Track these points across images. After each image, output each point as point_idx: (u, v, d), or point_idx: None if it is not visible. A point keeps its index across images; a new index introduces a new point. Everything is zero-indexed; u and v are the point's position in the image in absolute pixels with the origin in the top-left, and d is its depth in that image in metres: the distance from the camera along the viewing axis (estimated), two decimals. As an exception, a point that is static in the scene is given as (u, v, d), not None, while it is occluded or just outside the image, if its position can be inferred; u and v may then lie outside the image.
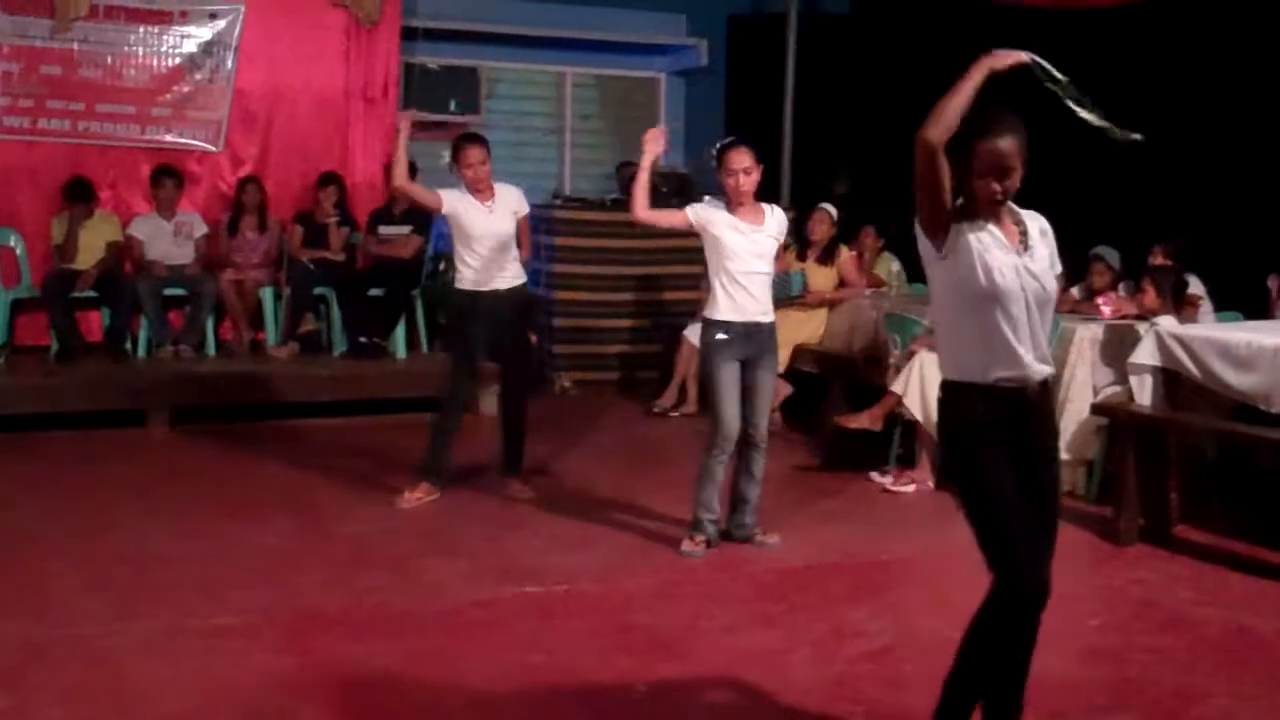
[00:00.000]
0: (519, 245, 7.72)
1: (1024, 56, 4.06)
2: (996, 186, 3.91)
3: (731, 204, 6.65)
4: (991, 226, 3.98)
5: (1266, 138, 9.46)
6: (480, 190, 7.53)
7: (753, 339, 6.64)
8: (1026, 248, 4.00)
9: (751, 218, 6.64)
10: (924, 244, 4.03)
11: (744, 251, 6.58)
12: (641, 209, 6.73)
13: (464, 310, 7.64)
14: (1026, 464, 4.02)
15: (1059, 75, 4.08)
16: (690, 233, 6.74)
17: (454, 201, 7.49)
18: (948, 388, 4.10)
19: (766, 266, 6.68)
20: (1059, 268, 4.13)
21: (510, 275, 7.63)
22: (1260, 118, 9.54)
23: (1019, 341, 3.96)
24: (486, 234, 7.49)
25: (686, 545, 6.68)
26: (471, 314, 7.57)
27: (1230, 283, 8.64)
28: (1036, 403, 4.05)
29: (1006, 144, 3.91)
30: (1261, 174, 9.42)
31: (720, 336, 6.60)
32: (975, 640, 4.05)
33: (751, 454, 6.78)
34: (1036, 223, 4.10)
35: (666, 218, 6.80)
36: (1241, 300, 8.63)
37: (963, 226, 3.95)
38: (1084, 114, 4.06)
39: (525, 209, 7.77)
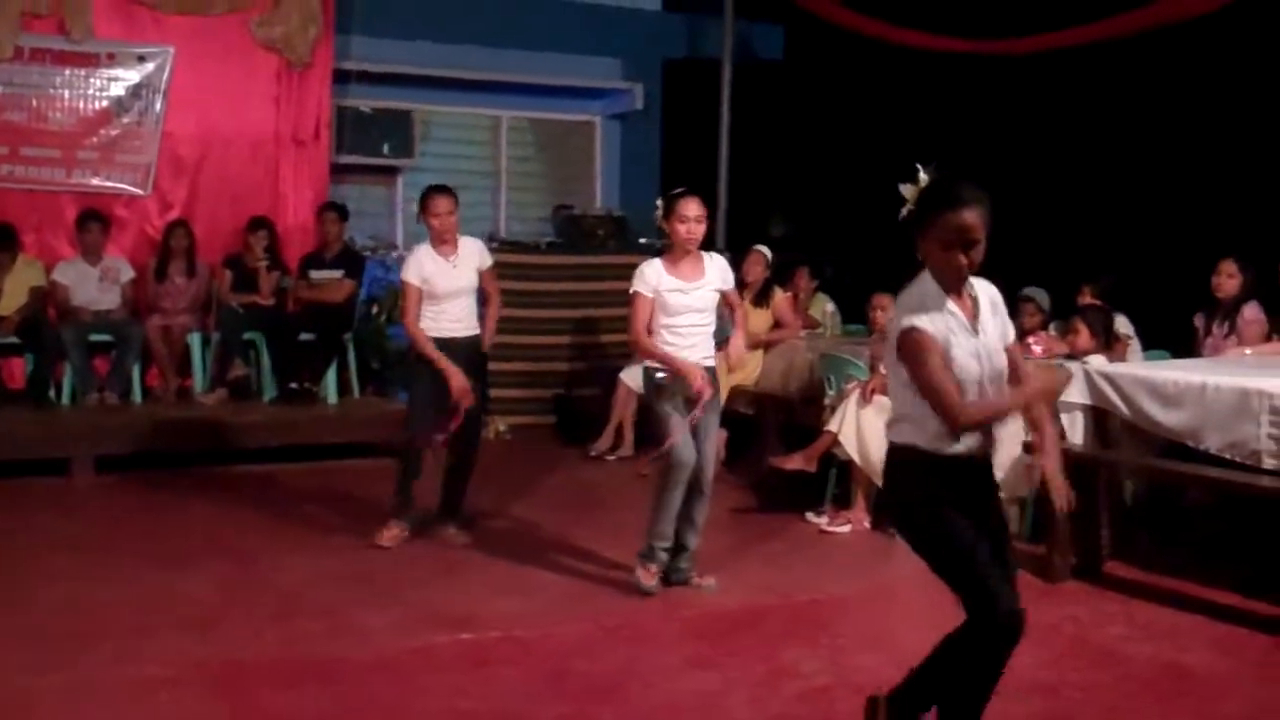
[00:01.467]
0: (487, 300, 7.73)
1: None
2: (963, 259, 3.93)
3: (675, 252, 6.62)
4: (951, 304, 4.00)
5: (1189, 179, 9.60)
6: (445, 241, 7.50)
7: (681, 386, 6.61)
8: (977, 326, 4.03)
9: (691, 271, 6.63)
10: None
11: (684, 308, 6.58)
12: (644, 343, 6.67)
13: (418, 365, 7.60)
14: (979, 513, 4.10)
15: None
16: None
17: (419, 272, 7.45)
18: (906, 453, 4.13)
19: (707, 319, 6.68)
20: (1011, 337, 4.19)
21: (465, 325, 7.61)
22: (1182, 159, 9.68)
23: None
24: (450, 291, 7.49)
25: (642, 576, 6.64)
26: (426, 368, 7.53)
27: (1157, 321, 8.73)
28: (985, 465, 4.15)
29: (973, 216, 3.91)
30: (1186, 214, 9.55)
31: (660, 375, 6.60)
32: (942, 666, 4.13)
33: (696, 499, 6.74)
34: (987, 293, 4.13)
35: (643, 316, 6.64)
36: (1168, 339, 8.72)
37: (931, 325, 3.96)
38: None
39: (489, 261, 7.72)
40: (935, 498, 4.06)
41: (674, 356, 6.54)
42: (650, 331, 6.65)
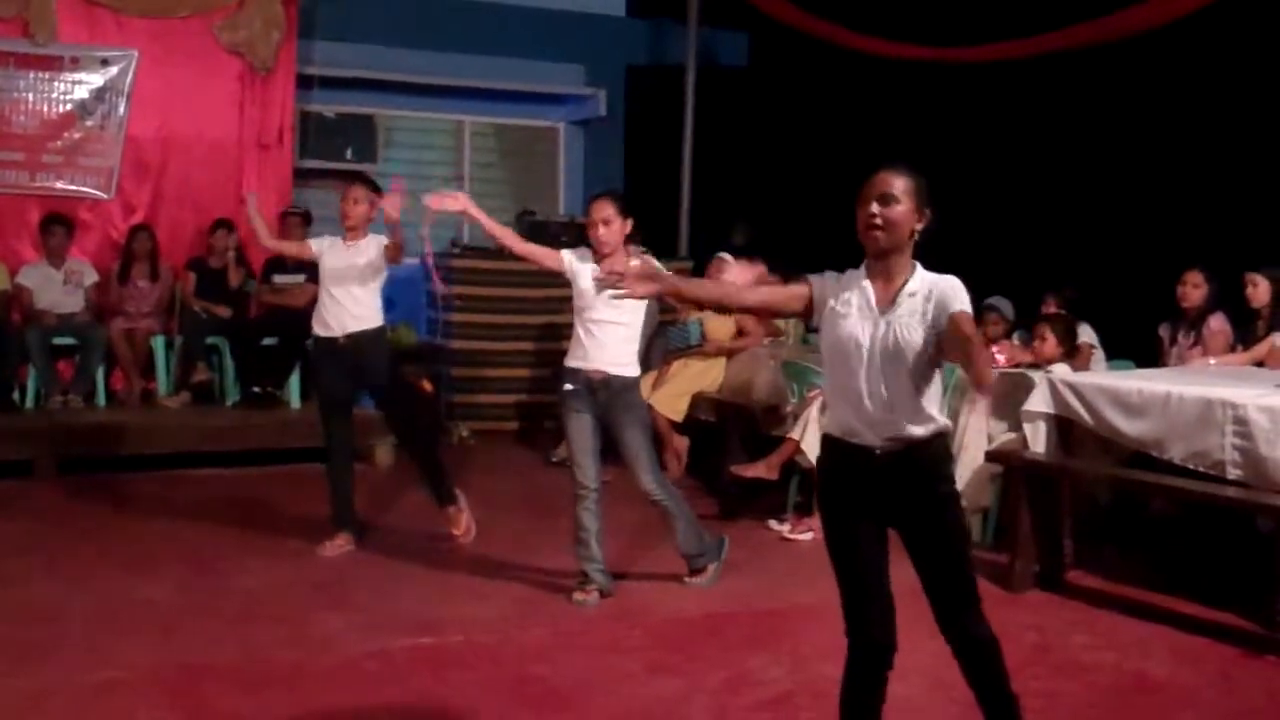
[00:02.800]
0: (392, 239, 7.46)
1: None
2: (874, 209, 3.95)
3: (597, 255, 6.60)
4: (865, 283, 4.03)
5: (1154, 189, 9.64)
6: (353, 229, 7.47)
7: (597, 393, 6.56)
8: (887, 310, 3.98)
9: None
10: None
11: (598, 302, 6.48)
12: (516, 243, 6.71)
13: (314, 355, 7.63)
14: (904, 521, 4.08)
15: None
16: (564, 276, 6.66)
17: (320, 243, 7.53)
18: (821, 438, 4.23)
19: (625, 318, 6.57)
20: (952, 308, 3.91)
21: (360, 320, 7.52)
22: (1147, 170, 9.72)
23: (865, 400, 3.99)
24: (333, 272, 7.44)
25: (578, 595, 6.64)
26: (318, 361, 7.57)
27: (1122, 331, 8.76)
28: (892, 463, 4.02)
29: (888, 172, 3.99)
30: (1150, 224, 9.59)
31: (567, 387, 6.60)
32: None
33: (658, 509, 6.79)
34: (926, 288, 4.00)
35: (542, 255, 6.67)
36: (1133, 349, 8.75)
37: (825, 295, 4.08)
38: None
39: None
40: (825, 489, 4.17)
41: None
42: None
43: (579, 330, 6.59)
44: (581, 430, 6.57)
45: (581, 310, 6.57)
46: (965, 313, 3.85)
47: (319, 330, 7.50)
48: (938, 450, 4.09)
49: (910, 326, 3.94)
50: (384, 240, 7.46)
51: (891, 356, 3.95)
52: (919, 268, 4.05)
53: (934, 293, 3.97)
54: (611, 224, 6.51)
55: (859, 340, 3.98)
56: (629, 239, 6.63)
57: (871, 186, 3.99)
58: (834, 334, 4.03)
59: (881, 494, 4.03)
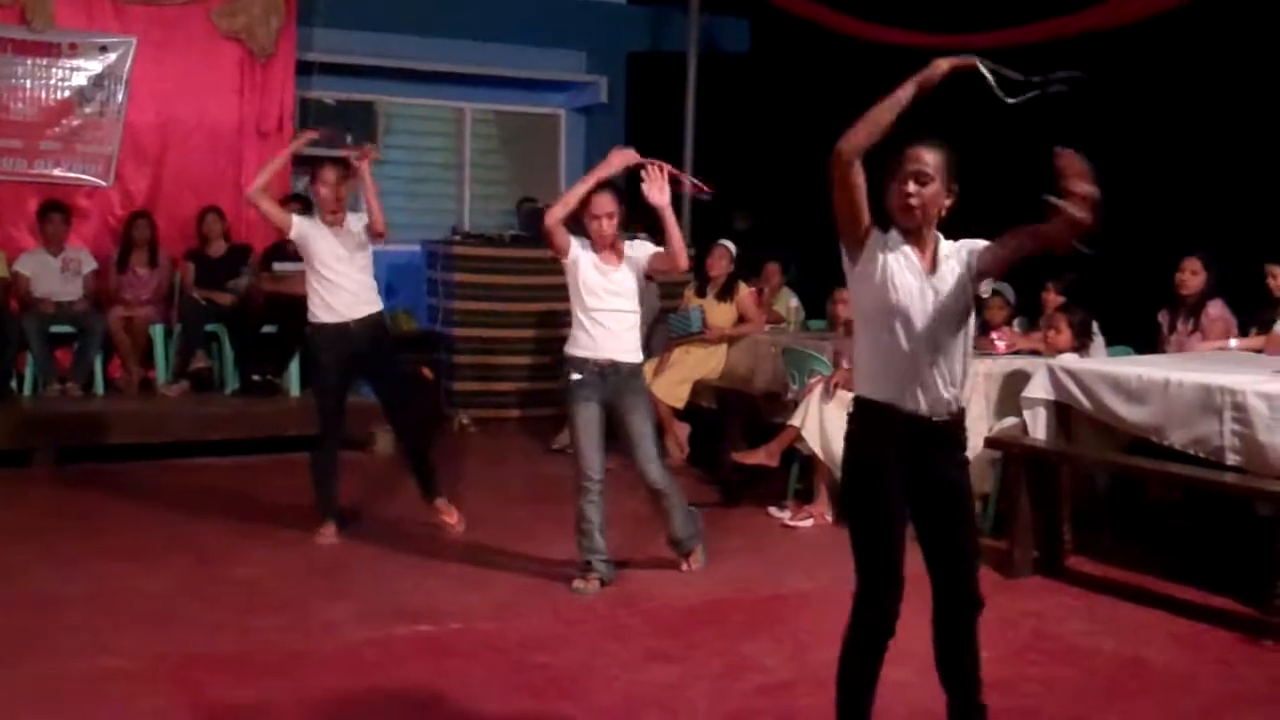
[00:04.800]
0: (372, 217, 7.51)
1: (970, 60, 4.08)
2: (911, 188, 3.99)
3: (595, 246, 6.60)
4: (907, 249, 4.06)
5: (1152, 175, 9.62)
6: (333, 211, 7.47)
7: (608, 379, 6.57)
8: (933, 273, 4.07)
9: (611, 259, 6.60)
10: (844, 257, 4.13)
11: (600, 289, 6.53)
12: (558, 212, 6.54)
13: (317, 343, 7.57)
14: (928, 492, 4.10)
15: (1010, 74, 4.14)
16: (561, 262, 6.65)
17: (302, 227, 7.44)
18: (856, 404, 4.17)
19: (629, 305, 6.61)
20: (979, 245, 4.15)
21: (358, 306, 7.51)
22: (1146, 157, 9.70)
23: (919, 366, 4.04)
24: (327, 251, 7.41)
25: (578, 583, 6.64)
26: (321, 348, 7.52)
27: (1120, 318, 8.75)
28: (938, 427, 4.10)
29: (921, 148, 4.05)
30: (1149, 210, 9.57)
31: (575, 376, 6.57)
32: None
33: (656, 499, 6.80)
34: (952, 252, 4.15)
35: (562, 237, 6.60)
36: (1132, 335, 8.74)
37: (878, 244, 4.04)
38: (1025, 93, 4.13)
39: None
40: (876, 456, 4.09)
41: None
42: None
43: (584, 320, 6.57)
44: (590, 420, 6.56)
45: (585, 301, 6.56)
46: None
47: (323, 316, 7.44)
48: (962, 416, 4.21)
49: (954, 291, 4.07)
50: (364, 219, 7.46)
51: (942, 320, 4.05)
52: (941, 237, 4.16)
53: (961, 250, 4.15)
54: (614, 218, 6.54)
55: (912, 300, 4.04)
56: (629, 227, 6.65)
57: (905, 163, 4.04)
58: (885, 293, 4.04)
59: (923, 460, 4.09)
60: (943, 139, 4.12)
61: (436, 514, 7.77)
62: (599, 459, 6.58)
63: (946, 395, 4.09)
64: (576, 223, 6.61)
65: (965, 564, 4.18)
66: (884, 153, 4.01)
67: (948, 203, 4.09)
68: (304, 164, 12.00)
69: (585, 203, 6.56)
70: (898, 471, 4.07)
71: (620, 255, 6.62)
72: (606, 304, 6.55)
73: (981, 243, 4.12)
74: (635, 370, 6.67)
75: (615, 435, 6.70)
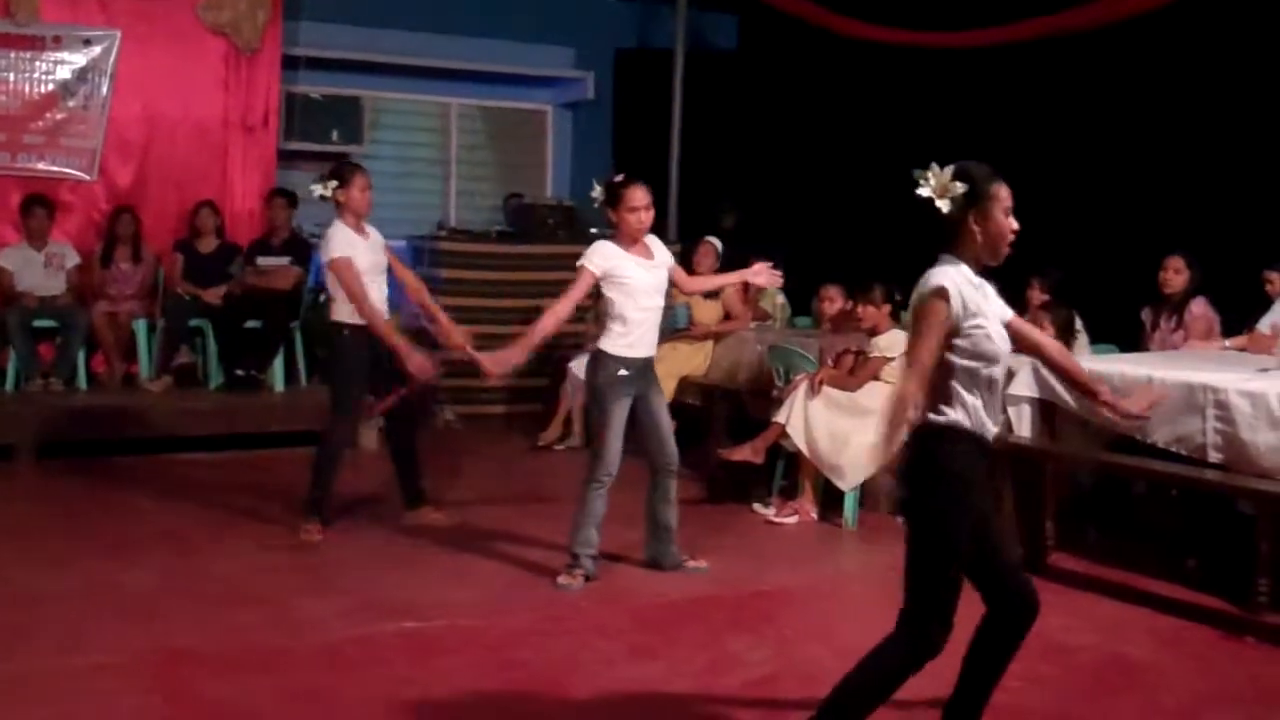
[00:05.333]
0: (403, 275, 7.71)
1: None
2: (1015, 223, 4.16)
3: (624, 240, 6.59)
4: (987, 287, 4.21)
5: (1135, 174, 9.64)
6: (363, 215, 7.48)
7: (644, 374, 6.66)
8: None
9: (643, 251, 6.62)
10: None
11: (649, 288, 6.58)
12: (565, 310, 6.61)
13: (349, 345, 7.53)
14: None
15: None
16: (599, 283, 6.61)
17: (346, 248, 7.36)
18: (949, 433, 4.14)
19: (661, 303, 6.70)
20: (1009, 313, 4.40)
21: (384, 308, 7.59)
22: (1130, 155, 9.72)
23: (996, 396, 4.21)
24: (371, 266, 7.44)
25: (563, 578, 6.63)
26: (358, 348, 7.48)
27: (1104, 316, 8.76)
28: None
29: (1004, 184, 4.16)
30: (1132, 209, 9.59)
31: (622, 373, 6.56)
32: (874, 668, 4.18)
33: (667, 482, 6.84)
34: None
35: (578, 292, 6.59)
36: (1116, 333, 8.76)
37: (962, 300, 4.06)
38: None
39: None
40: (967, 479, 4.12)
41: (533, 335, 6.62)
42: (600, 320, 6.66)
43: (636, 319, 6.55)
44: (624, 417, 6.60)
45: (640, 301, 6.55)
46: None
47: (359, 319, 7.42)
48: None
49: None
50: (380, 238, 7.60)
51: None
52: None
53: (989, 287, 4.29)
54: (651, 209, 6.61)
55: (1001, 351, 4.16)
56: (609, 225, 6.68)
57: (1006, 198, 4.16)
58: (985, 346, 4.11)
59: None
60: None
61: (420, 517, 7.78)
62: (620, 456, 6.61)
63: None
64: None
65: (1017, 560, 4.29)
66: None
67: None
68: (290, 158, 12.04)
69: (619, 198, 6.57)
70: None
71: (650, 250, 6.64)
72: (655, 301, 6.63)
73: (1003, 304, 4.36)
74: (653, 362, 6.77)
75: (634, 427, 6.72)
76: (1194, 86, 9.31)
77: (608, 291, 6.59)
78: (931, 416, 4.12)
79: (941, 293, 4.00)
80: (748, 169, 12.74)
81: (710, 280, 7.34)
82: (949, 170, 4.10)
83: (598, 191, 6.72)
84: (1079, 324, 8.59)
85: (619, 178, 6.71)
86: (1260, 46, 8.93)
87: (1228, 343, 8.02)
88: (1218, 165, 9.10)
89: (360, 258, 7.35)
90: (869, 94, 11.51)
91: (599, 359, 6.64)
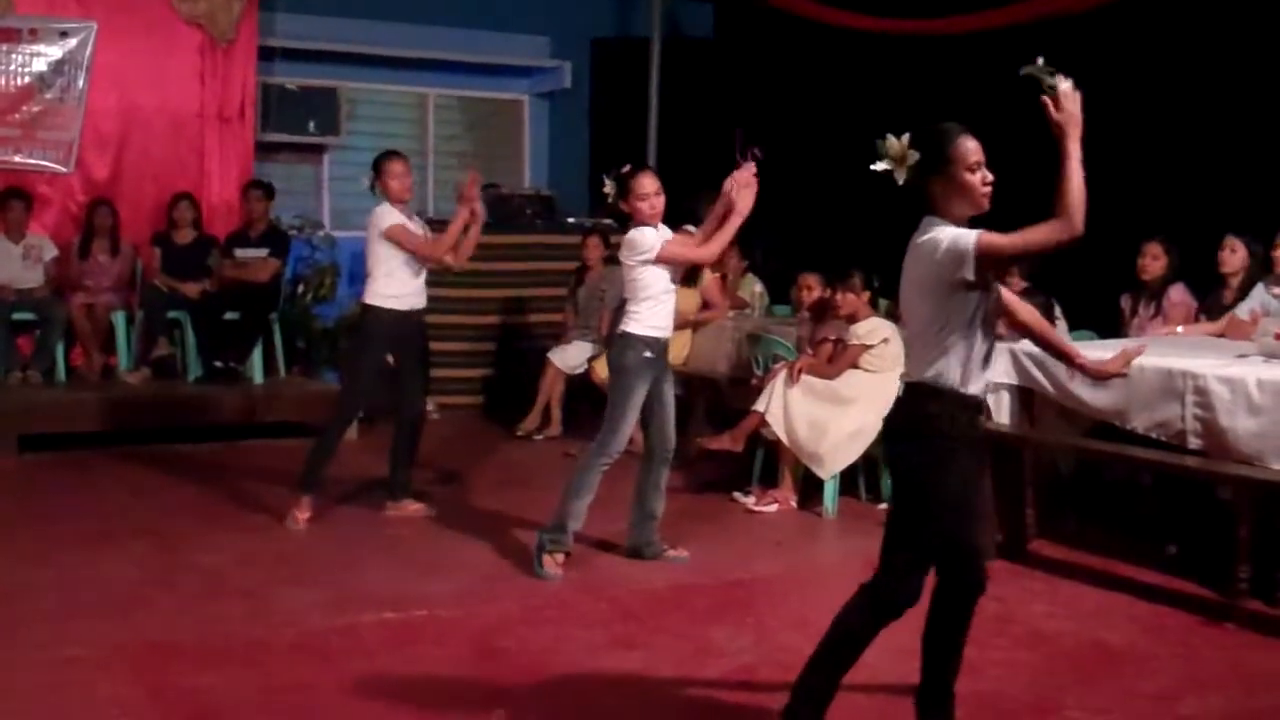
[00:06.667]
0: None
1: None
2: (988, 175, 4.23)
3: (642, 226, 6.68)
4: None
5: (1113, 160, 9.65)
6: (404, 201, 7.66)
7: (663, 357, 6.76)
8: None
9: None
10: (953, 275, 4.12)
11: (672, 278, 6.72)
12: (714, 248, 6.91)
13: (382, 330, 7.60)
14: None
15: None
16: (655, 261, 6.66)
17: (395, 215, 7.59)
18: (947, 395, 4.18)
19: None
20: None
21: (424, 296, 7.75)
22: (1106, 142, 9.72)
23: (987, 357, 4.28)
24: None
25: (548, 566, 6.61)
26: (385, 334, 7.60)
27: (1082, 302, 8.78)
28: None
29: (971, 138, 4.29)
30: (1110, 195, 9.60)
31: (648, 355, 6.62)
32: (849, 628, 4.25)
33: (661, 469, 6.88)
34: None
35: (683, 252, 6.87)
36: (1094, 320, 8.77)
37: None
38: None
39: None
40: (971, 445, 4.21)
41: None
42: (624, 307, 6.75)
43: (665, 299, 6.67)
44: (641, 399, 6.67)
45: (668, 282, 6.69)
46: None
47: (398, 305, 7.55)
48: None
49: None
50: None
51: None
52: None
53: None
54: (662, 194, 6.75)
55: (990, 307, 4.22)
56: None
57: (973, 153, 4.23)
58: (982, 300, 4.19)
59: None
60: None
61: (400, 510, 7.78)
62: (626, 441, 6.69)
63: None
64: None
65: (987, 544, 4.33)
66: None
67: None
68: (267, 149, 12.00)
69: (629, 189, 6.70)
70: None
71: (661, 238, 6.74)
72: (673, 286, 6.75)
73: None
74: (665, 348, 6.82)
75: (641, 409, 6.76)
76: (1173, 73, 9.33)
77: (643, 274, 6.65)
78: (922, 374, 4.19)
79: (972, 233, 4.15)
80: (725, 158, 12.71)
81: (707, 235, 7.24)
82: (905, 138, 4.19)
83: (609, 187, 6.82)
84: (1058, 311, 8.61)
85: (626, 168, 6.83)
86: (1236, 31, 8.96)
87: (1180, 329, 8.03)
88: (1197, 151, 9.12)
89: (408, 233, 7.57)
90: (847, 82, 11.50)
91: (627, 340, 6.69)
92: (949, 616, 4.33)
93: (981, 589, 4.32)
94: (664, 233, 6.78)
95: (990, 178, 4.23)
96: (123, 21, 11.13)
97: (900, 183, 4.17)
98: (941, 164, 4.17)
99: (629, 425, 6.65)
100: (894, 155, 4.15)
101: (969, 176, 4.19)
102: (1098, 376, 4.86)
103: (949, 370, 4.14)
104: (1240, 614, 6.02)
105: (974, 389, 4.18)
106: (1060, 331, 8.24)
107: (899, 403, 4.33)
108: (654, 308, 6.64)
